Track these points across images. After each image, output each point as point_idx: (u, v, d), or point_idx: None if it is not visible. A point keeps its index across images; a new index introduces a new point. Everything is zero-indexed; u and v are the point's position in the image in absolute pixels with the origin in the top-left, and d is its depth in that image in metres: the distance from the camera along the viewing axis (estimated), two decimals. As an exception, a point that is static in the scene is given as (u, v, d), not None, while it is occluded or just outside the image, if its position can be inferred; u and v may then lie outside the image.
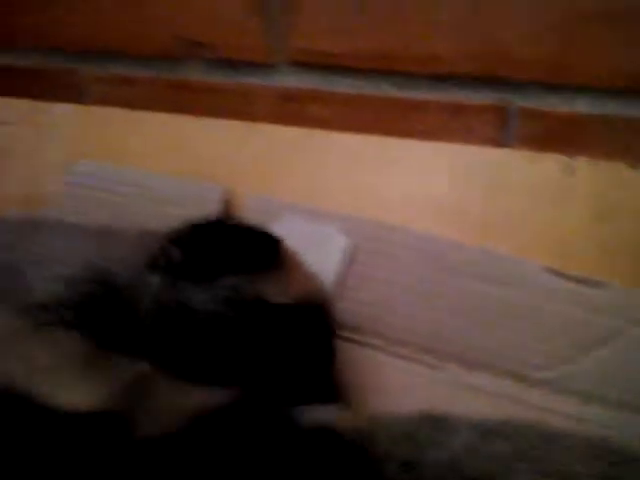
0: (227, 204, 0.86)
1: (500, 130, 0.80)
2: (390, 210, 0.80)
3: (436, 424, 0.54)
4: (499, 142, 0.80)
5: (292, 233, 0.84)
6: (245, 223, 0.73)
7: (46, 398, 0.50)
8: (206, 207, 0.86)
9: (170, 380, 0.57)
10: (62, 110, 0.94)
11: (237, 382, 0.62)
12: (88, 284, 0.65)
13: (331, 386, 0.68)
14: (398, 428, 0.55)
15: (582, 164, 0.76)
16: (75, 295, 0.64)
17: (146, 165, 0.89)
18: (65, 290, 0.64)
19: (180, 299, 0.66)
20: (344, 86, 0.84)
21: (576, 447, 0.55)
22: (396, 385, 0.76)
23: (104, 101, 0.94)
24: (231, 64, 0.87)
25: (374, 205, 0.80)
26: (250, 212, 0.84)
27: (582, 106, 0.78)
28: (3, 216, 0.87)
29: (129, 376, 0.56)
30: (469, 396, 0.75)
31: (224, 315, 0.65)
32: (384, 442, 0.52)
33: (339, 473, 0.47)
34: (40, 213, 0.92)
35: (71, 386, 0.54)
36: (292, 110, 0.86)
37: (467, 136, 0.80)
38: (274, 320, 0.67)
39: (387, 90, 0.83)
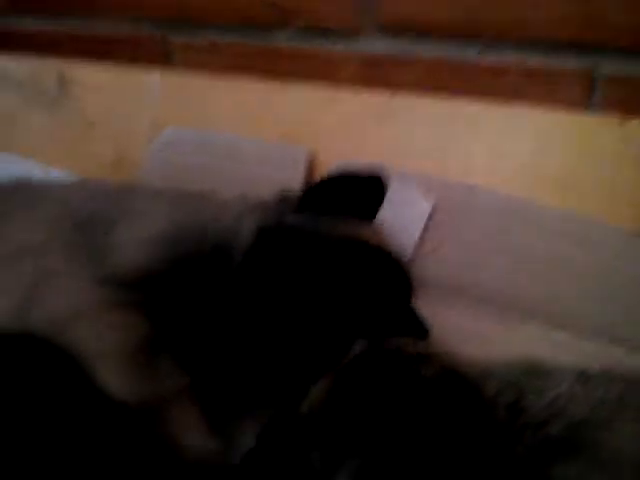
0: (312, 166, 0.89)
1: (585, 95, 0.81)
2: (474, 172, 0.82)
3: (538, 372, 0.57)
4: (584, 107, 0.81)
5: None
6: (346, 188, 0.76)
7: (103, 383, 0.54)
8: (292, 169, 0.90)
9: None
10: (151, 77, 0.99)
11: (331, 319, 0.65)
12: (173, 247, 0.68)
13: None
14: (502, 375, 0.57)
15: (668, 129, 0.77)
16: (161, 261, 0.67)
17: (233, 130, 0.93)
18: (149, 255, 0.67)
19: (283, 221, 0.70)
20: (429, 51, 0.86)
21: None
22: (481, 339, 0.78)
23: (192, 68, 0.98)
24: (319, 31, 0.90)
25: (458, 168, 0.83)
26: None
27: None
28: (100, 180, 0.91)
29: (171, 387, 0.60)
30: (551, 352, 0.77)
31: (323, 242, 0.69)
32: (491, 388, 0.56)
33: (462, 413, 0.50)
34: (132, 179, 0.97)
35: (125, 377, 0.57)
36: (377, 75, 0.88)
37: (552, 100, 0.81)
38: (369, 260, 0.71)
39: (472, 55, 0.85)
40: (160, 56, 1.01)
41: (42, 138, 1.06)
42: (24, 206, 0.77)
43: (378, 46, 0.88)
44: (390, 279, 0.72)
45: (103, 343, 0.60)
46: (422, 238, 0.83)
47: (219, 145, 0.93)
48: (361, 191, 0.73)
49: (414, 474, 0.46)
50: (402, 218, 0.84)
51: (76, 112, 1.04)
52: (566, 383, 0.54)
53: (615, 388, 0.53)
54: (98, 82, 1.02)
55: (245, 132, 0.92)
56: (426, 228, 0.83)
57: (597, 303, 0.78)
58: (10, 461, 0.43)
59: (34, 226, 0.73)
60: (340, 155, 0.87)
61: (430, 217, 0.83)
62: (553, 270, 0.78)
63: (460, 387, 0.52)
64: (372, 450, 0.48)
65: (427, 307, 0.80)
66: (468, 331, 0.79)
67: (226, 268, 0.67)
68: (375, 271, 0.69)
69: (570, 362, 0.66)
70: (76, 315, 0.62)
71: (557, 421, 0.51)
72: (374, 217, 0.76)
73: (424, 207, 0.83)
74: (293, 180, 0.87)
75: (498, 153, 0.82)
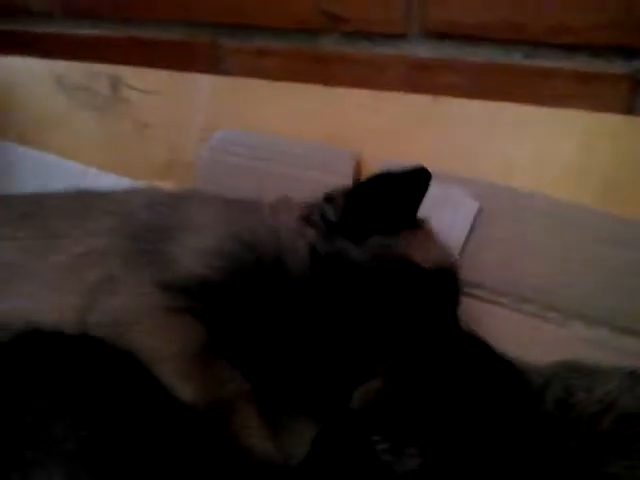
0: (359, 168, 0.92)
1: (631, 98, 0.82)
2: (519, 174, 0.84)
3: (585, 371, 0.59)
4: (629, 109, 0.82)
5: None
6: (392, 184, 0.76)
7: (167, 386, 0.57)
8: (340, 171, 0.92)
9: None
10: (202, 81, 1.02)
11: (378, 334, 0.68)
12: (231, 257, 0.71)
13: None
14: (548, 372, 0.60)
15: None
16: (219, 270, 0.70)
17: (282, 133, 0.96)
18: (208, 266, 0.71)
19: (337, 250, 0.73)
20: (475, 55, 0.88)
21: None
22: (522, 339, 0.80)
23: (243, 72, 1.01)
24: (366, 36, 0.92)
25: (503, 169, 0.85)
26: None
27: None
28: (157, 188, 0.93)
29: (233, 391, 0.63)
30: (593, 351, 0.79)
31: (374, 268, 0.72)
32: (537, 382, 0.58)
33: (513, 404, 0.53)
34: (184, 181, 1.00)
35: (188, 381, 0.60)
36: (423, 79, 0.90)
37: (597, 104, 0.83)
38: (416, 280, 0.74)
39: (518, 59, 0.86)
40: (211, 61, 1.05)
41: (96, 142, 1.11)
42: (81, 217, 0.80)
43: (424, 50, 0.90)
44: (434, 297, 0.74)
45: (163, 347, 0.63)
46: (468, 239, 0.85)
47: (268, 148, 0.96)
48: (405, 185, 0.74)
49: (474, 461, 0.49)
50: (450, 219, 0.86)
51: (129, 116, 1.08)
52: (615, 381, 0.56)
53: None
54: (150, 86, 1.06)
55: (293, 135, 0.95)
56: (472, 229, 0.85)
57: (637, 302, 0.79)
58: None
59: (95, 233, 0.77)
60: (385, 157, 0.90)
61: (477, 219, 0.85)
62: (593, 271, 0.80)
63: (510, 379, 0.55)
64: (434, 438, 0.51)
65: (471, 308, 0.83)
66: (511, 332, 0.81)
67: (281, 282, 0.71)
68: (422, 295, 0.72)
69: (613, 361, 0.68)
70: (136, 320, 0.66)
71: (608, 416, 0.53)
72: (418, 207, 0.77)
73: (471, 208, 0.85)
74: (340, 182, 0.90)
75: (543, 155, 0.84)
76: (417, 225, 0.78)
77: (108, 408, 0.49)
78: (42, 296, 0.71)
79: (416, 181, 0.75)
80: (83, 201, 0.83)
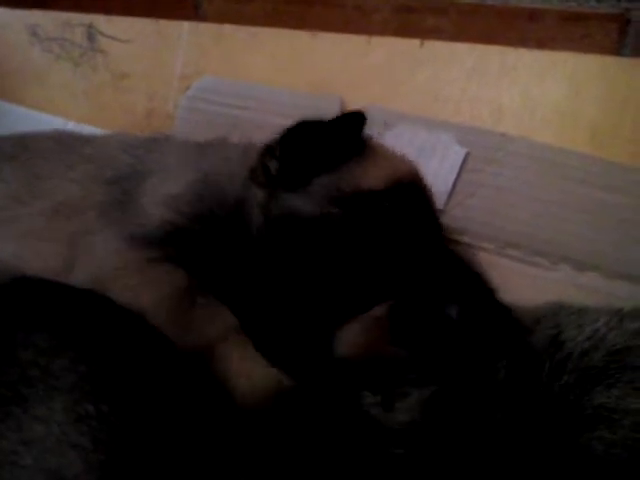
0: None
1: (620, 39, 0.81)
2: (507, 118, 0.83)
3: (574, 311, 0.59)
4: (618, 51, 0.81)
5: (408, 141, 0.88)
6: (326, 119, 0.73)
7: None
8: (325, 118, 0.90)
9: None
10: (181, 28, 0.99)
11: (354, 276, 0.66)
12: (197, 203, 0.70)
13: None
14: (538, 312, 0.60)
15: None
16: (184, 216, 0.69)
17: (265, 80, 0.94)
18: (174, 212, 0.69)
19: (285, 207, 0.70)
20: (461, -3, 0.86)
21: None
22: (511, 284, 0.80)
23: (222, 19, 0.98)
24: (351, -22, 0.90)
25: (491, 113, 0.83)
26: (367, 122, 0.88)
27: None
28: (130, 134, 0.91)
29: (222, 325, 0.63)
30: (580, 294, 0.79)
31: (328, 215, 0.69)
32: (528, 321, 0.58)
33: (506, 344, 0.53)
34: (165, 129, 0.98)
35: (170, 329, 0.59)
36: (409, 22, 0.88)
37: (586, 45, 0.81)
38: (372, 206, 0.68)
39: (503, 0, 0.84)
40: (190, 7, 1.01)
41: (73, 94, 1.08)
42: (63, 160, 0.79)
43: (410, -8, 0.88)
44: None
45: (143, 300, 0.63)
46: (455, 186, 0.84)
47: (251, 96, 0.94)
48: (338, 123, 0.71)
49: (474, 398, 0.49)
50: (437, 166, 0.85)
51: (106, 66, 1.05)
52: (603, 319, 0.56)
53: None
54: (128, 35, 1.03)
55: (277, 82, 0.93)
56: (459, 175, 0.84)
57: (624, 245, 0.79)
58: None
59: (74, 180, 0.76)
60: (371, 102, 0.88)
61: (463, 165, 0.84)
62: (580, 214, 0.79)
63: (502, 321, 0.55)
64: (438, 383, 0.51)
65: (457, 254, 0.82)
66: (497, 277, 0.80)
67: (242, 230, 0.70)
68: (385, 219, 0.69)
69: (602, 304, 0.68)
70: (114, 277, 0.66)
71: (597, 351, 0.53)
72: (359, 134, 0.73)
73: (458, 155, 0.84)
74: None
75: (531, 99, 0.82)
76: (363, 150, 0.73)
77: (104, 345, 0.49)
78: (27, 243, 0.71)
79: (349, 117, 0.72)
80: (65, 145, 0.82)
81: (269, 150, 0.72)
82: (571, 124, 0.81)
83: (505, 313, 0.57)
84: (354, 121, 0.72)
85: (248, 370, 0.58)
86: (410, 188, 0.72)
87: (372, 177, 0.70)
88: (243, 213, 0.71)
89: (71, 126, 1.05)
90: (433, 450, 0.50)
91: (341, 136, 0.71)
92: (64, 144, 0.82)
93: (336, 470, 0.48)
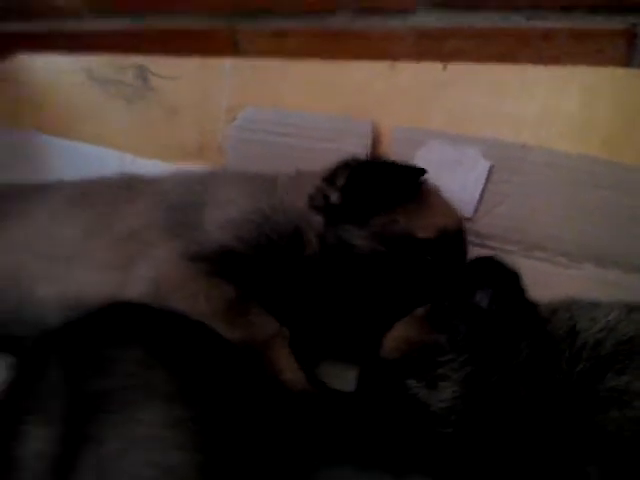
0: (377, 136, 0.98)
1: (629, 53, 0.87)
2: (526, 130, 0.90)
3: (587, 305, 0.66)
4: (627, 64, 0.88)
5: (437, 157, 0.96)
6: (389, 160, 0.84)
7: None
8: (358, 140, 0.99)
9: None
10: (224, 64, 1.09)
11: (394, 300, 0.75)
12: (255, 229, 0.79)
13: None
14: (555, 305, 0.67)
15: None
16: (242, 241, 0.79)
17: (302, 107, 1.03)
18: (232, 238, 0.79)
19: (342, 238, 0.79)
20: (479, 21, 0.93)
21: None
22: (537, 283, 0.87)
23: (261, 54, 1.08)
24: (375, 11, 0.98)
25: (511, 127, 0.91)
26: (398, 142, 0.96)
27: None
28: (190, 169, 1.01)
29: (266, 333, 0.73)
30: (602, 289, 0.86)
31: (379, 252, 0.77)
32: (545, 313, 0.65)
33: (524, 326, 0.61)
34: (215, 159, 1.08)
35: (224, 332, 0.68)
36: (432, 47, 0.96)
37: (596, 59, 0.88)
38: (419, 253, 0.79)
39: (518, 22, 0.92)
40: (230, 45, 1.11)
41: (128, 130, 1.19)
42: (129, 196, 0.89)
43: (431, 20, 0.96)
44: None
45: (198, 309, 0.72)
46: (482, 196, 0.92)
47: (291, 123, 1.03)
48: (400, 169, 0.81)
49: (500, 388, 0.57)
50: (463, 178, 0.93)
51: (158, 103, 1.15)
52: (614, 312, 0.63)
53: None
54: (176, 73, 1.13)
55: (313, 108, 1.02)
56: (485, 186, 0.92)
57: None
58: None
59: (137, 214, 0.86)
60: (400, 123, 0.96)
61: (489, 176, 0.91)
62: (597, 216, 0.86)
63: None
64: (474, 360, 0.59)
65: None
66: (527, 276, 0.87)
67: (296, 256, 0.79)
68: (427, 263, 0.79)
69: (621, 296, 0.75)
70: (172, 289, 0.76)
71: (609, 340, 0.60)
72: (417, 181, 0.82)
73: (484, 167, 0.92)
74: (360, 149, 0.97)
75: (547, 111, 0.89)
76: (418, 195, 0.82)
77: (190, 359, 0.58)
78: (101, 271, 0.81)
79: (415, 169, 0.81)
80: (126, 185, 0.92)
81: (330, 180, 0.81)
82: (586, 133, 0.87)
83: (528, 304, 0.64)
84: (414, 170, 0.81)
85: (294, 366, 0.69)
86: (454, 238, 0.81)
87: (423, 226, 0.79)
88: (295, 236, 0.80)
89: (128, 159, 1.16)
90: (474, 425, 0.58)
91: (401, 181, 0.80)
92: (128, 184, 0.92)
93: (389, 451, 0.57)
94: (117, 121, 1.20)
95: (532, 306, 0.66)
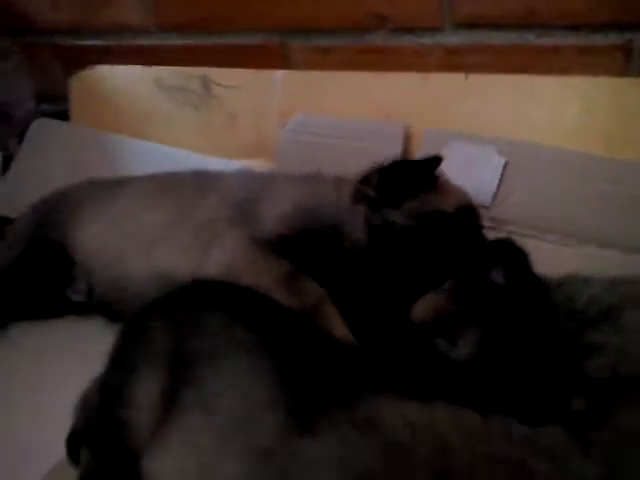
0: (408, 138, 1.15)
1: (625, 64, 1.02)
2: (537, 132, 1.06)
3: (581, 279, 0.82)
4: (624, 74, 1.03)
5: (460, 155, 1.12)
6: (410, 159, 1.02)
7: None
8: (392, 142, 1.16)
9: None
10: (277, 75, 1.27)
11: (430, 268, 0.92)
12: (301, 220, 0.97)
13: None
14: (557, 279, 0.83)
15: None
16: (293, 230, 0.96)
17: (344, 113, 1.20)
18: (285, 228, 0.96)
19: (384, 218, 0.97)
20: (497, 39, 1.09)
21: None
22: (546, 262, 1.02)
23: (309, 67, 1.26)
24: (408, 30, 1.15)
25: (524, 129, 1.07)
26: (427, 142, 1.13)
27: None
28: (250, 170, 1.21)
29: (317, 296, 0.90)
30: (602, 267, 1.01)
31: (414, 226, 0.95)
32: (550, 284, 0.82)
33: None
34: (268, 158, 1.27)
35: (283, 298, 0.84)
36: (456, 61, 1.13)
37: (597, 71, 1.03)
38: (446, 222, 0.95)
39: (531, 39, 1.08)
40: (282, 59, 1.29)
41: (194, 133, 1.37)
42: (199, 192, 1.07)
43: (455, 38, 1.12)
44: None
45: (265, 281, 0.91)
46: (499, 187, 1.08)
47: (334, 127, 1.21)
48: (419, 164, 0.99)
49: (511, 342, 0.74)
50: (482, 172, 1.09)
51: (220, 109, 1.34)
52: (600, 285, 0.79)
53: (632, 283, 0.78)
54: (235, 83, 1.32)
55: (354, 114, 1.19)
56: (501, 179, 1.08)
57: (634, 226, 1.00)
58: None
59: (210, 206, 1.04)
60: (429, 126, 1.13)
61: (504, 170, 1.07)
62: (601, 204, 1.01)
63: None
64: (488, 322, 0.75)
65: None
66: (536, 257, 1.03)
67: (338, 246, 0.96)
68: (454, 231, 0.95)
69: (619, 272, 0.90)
70: (242, 268, 0.94)
71: (594, 307, 0.76)
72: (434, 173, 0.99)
73: (499, 162, 1.08)
74: (393, 149, 1.14)
75: (555, 115, 1.05)
76: (435, 184, 0.99)
77: (263, 319, 0.75)
78: (181, 254, 1.00)
79: (429, 160, 0.98)
80: (200, 180, 1.10)
81: (365, 181, 0.98)
82: (587, 134, 1.03)
83: (535, 279, 0.80)
84: (432, 162, 0.97)
85: (342, 324, 0.87)
86: (469, 211, 0.98)
87: (444, 203, 0.96)
88: (335, 229, 0.97)
89: (194, 157, 1.34)
90: (487, 373, 0.75)
91: (422, 173, 0.98)
92: (199, 179, 1.11)
93: (418, 384, 0.73)
94: (184, 125, 1.38)
95: (538, 280, 0.82)
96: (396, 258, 0.94)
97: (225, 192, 1.06)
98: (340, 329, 0.88)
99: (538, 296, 0.80)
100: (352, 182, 1.00)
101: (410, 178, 0.96)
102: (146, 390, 0.69)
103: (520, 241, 1.03)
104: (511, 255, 0.83)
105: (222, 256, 0.97)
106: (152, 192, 1.09)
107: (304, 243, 0.96)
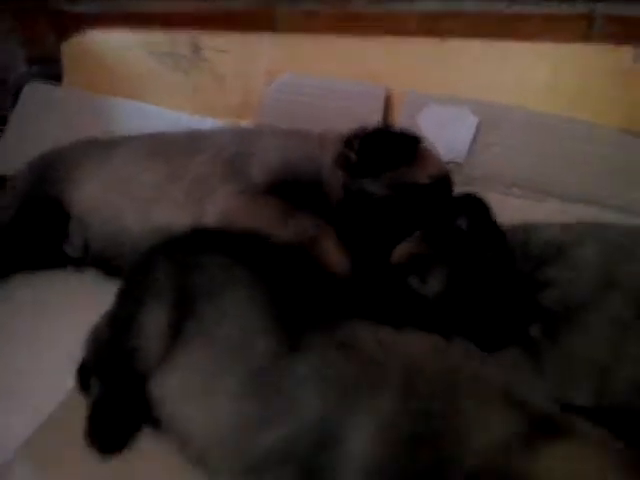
0: (388, 99, 1.23)
1: (588, 31, 1.10)
2: (506, 95, 1.14)
3: (539, 226, 0.92)
4: (587, 39, 1.11)
5: (436, 115, 1.20)
6: (392, 129, 1.07)
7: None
8: (374, 103, 1.24)
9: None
10: (264, 39, 1.33)
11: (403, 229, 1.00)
12: (286, 172, 1.04)
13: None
14: (518, 226, 0.92)
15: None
16: (278, 180, 1.03)
17: (328, 74, 1.27)
18: (273, 179, 1.04)
19: (361, 188, 1.04)
20: (470, 7, 1.17)
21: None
22: (516, 215, 1.10)
23: (295, 31, 1.32)
24: (387, -3, 1.22)
25: (494, 91, 1.15)
26: (407, 104, 1.21)
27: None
28: (239, 126, 1.28)
29: (314, 228, 0.98)
30: (563, 218, 1.10)
31: (391, 196, 1.02)
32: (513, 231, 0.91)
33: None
34: (254, 117, 1.34)
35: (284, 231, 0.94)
36: (432, 27, 1.20)
37: (564, 37, 1.11)
38: (419, 195, 1.02)
39: (501, 7, 1.15)
40: (269, 24, 1.35)
41: (184, 94, 1.44)
42: (194, 149, 1.14)
43: (431, 5, 1.19)
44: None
45: (260, 221, 0.98)
46: (471, 145, 1.16)
47: (318, 87, 1.28)
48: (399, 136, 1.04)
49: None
50: (456, 131, 1.17)
51: (209, 71, 1.40)
52: (553, 229, 0.89)
53: (582, 227, 0.88)
54: (224, 46, 1.38)
55: (336, 75, 1.27)
56: (475, 138, 1.16)
57: (599, 182, 1.10)
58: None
59: (202, 163, 1.11)
60: (407, 87, 1.21)
61: (477, 130, 1.16)
62: (565, 161, 1.11)
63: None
64: (454, 262, 0.85)
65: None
66: (502, 211, 1.11)
67: (320, 200, 1.03)
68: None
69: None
70: (236, 217, 1.02)
71: (548, 248, 0.86)
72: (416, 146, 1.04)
73: (472, 122, 1.16)
74: (375, 110, 1.22)
75: (523, 79, 1.13)
76: (415, 154, 1.04)
77: (260, 259, 0.83)
78: (176, 210, 1.07)
79: (411, 137, 1.05)
80: (192, 139, 1.17)
81: (348, 144, 1.04)
82: (555, 96, 1.11)
83: (494, 226, 0.90)
84: (411, 138, 1.04)
85: (338, 256, 0.96)
86: (443, 182, 1.05)
87: (421, 176, 1.02)
88: (319, 183, 1.05)
89: (184, 118, 1.41)
90: (452, 306, 0.85)
91: (402, 147, 1.03)
92: (191, 138, 1.17)
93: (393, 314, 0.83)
94: (175, 87, 1.45)
95: (497, 227, 0.91)
96: (369, 222, 1.02)
97: (216, 149, 1.13)
98: (336, 258, 0.97)
99: (497, 240, 0.89)
100: (335, 142, 1.07)
101: (391, 150, 1.02)
102: (154, 321, 0.78)
103: (490, 196, 1.15)
104: (474, 206, 0.92)
105: (216, 208, 1.04)
106: (146, 152, 1.15)
107: (290, 192, 1.04)
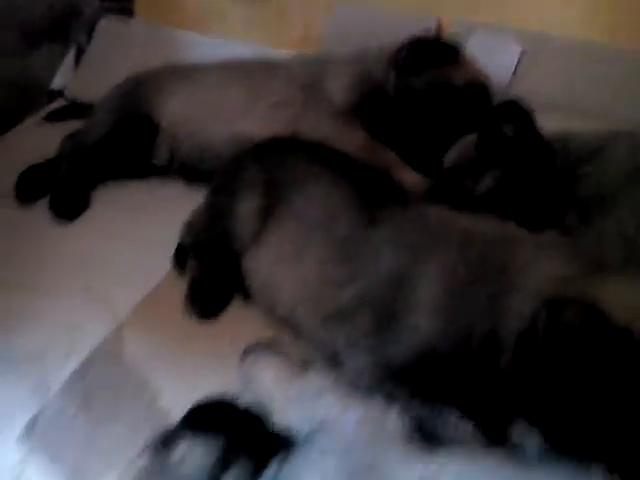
0: (440, 27, 1.35)
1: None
2: (549, 25, 1.26)
3: (577, 133, 1.04)
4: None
5: (483, 42, 1.32)
6: (440, 38, 1.23)
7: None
8: (425, 29, 1.35)
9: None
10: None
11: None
12: (360, 86, 1.20)
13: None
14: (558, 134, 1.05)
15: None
16: (356, 95, 1.20)
17: (385, 6, 1.39)
18: (352, 94, 1.20)
19: (407, 84, 1.19)
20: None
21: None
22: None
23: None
24: None
25: (538, 22, 1.26)
26: (456, 32, 1.33)
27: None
28: (307, 54, 1.40)
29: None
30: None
31: (429, 91, 1.18)
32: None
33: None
34: (316, 46, 1.46)
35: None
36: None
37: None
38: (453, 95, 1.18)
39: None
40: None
41: (248, 26, 1.57)
42: (269, 76, 1.28)
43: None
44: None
45: (353, 143, 1.15)
46: (515, 69, 1.28)
47: (373, 17, 1.40)
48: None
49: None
50: (502, 58, 1.29)
51: (271, 4, 1.53)
52: (588, 136, 1.02)
53: (613, 132, 1.00)
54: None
55: (391, 6, 1.39)
56: (518, 63, 1.28)
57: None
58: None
59: (278, 89, 1.25)
60: (458, 17, 1.33)
61: (520, 57, 1.28)
62: (600, 82, 1.23)
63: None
64: (503, 166, 0.99)
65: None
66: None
67: (384, 99, 1.19)
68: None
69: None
70: (327, 133, 1.16)
71: (584, 148, 0.99)
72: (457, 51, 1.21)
73: (516, 50, 1.28)
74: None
75: (564, 10, 1.24)
76: (457, 60, 1.20)
77: (338, 158, 0.99)
78: (259, 124, 1.21)
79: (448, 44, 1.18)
80: (266, 66, 1.30)
81: (399, 52, 1.20)
82: (593, 25, 1.22)
83: (537, 132, 1.02)
84: (453, 45, 1.19)
85: (412, 175, 1.12)
86: (479, 89, 1.19)
87: (457, 78, 1.18)
88: (382, 88, 1.21)
89: (250, 49, 1.54)
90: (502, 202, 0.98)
91: (443, 50, 1.19)
92: (265, 65, 1.31)
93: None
94: (240, 19, 1.57)
95: (539, 133, 1.03)
96: (416, 118, 1.19)
97: (290, 76, 1.27)
98: (413, 179, 1.13)
99: (540, 144, 1.02)
100: (391, 51, 1.22)
101: (432, 52, 1.18)
102: (247, 206, 0.94)
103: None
104: (518, 113, 1.04)
105: (309, 129, 1.18)
106: (229, 74, 1.30)
107: (367, 104, 1.20)
